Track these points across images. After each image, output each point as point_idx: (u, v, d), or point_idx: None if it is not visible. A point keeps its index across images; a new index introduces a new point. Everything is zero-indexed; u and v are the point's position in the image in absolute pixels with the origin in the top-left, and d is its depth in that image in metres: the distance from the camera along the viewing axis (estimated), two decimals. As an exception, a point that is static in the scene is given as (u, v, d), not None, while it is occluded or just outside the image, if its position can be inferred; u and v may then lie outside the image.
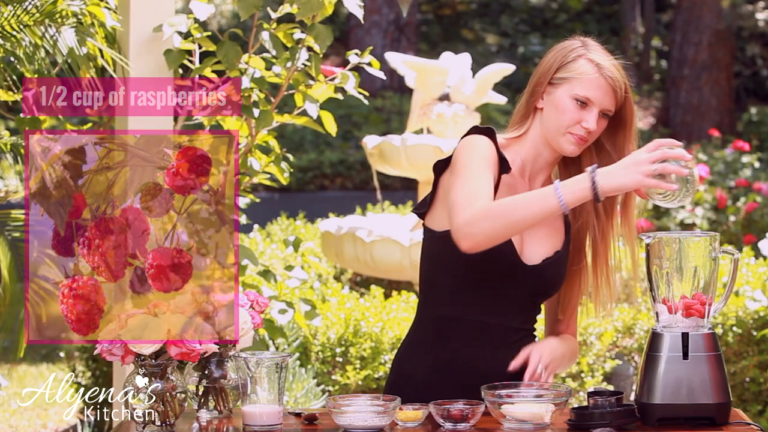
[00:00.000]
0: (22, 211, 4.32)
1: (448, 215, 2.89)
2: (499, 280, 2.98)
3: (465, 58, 7.67)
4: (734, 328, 6.04)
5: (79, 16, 4.02)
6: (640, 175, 2.75)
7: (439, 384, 2.94)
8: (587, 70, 2.99)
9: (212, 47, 4.16)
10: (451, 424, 2.72)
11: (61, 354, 4.22)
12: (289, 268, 4.48)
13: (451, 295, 3.01)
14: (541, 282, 3.02)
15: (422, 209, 3.06)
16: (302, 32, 4.14)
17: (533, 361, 2.95)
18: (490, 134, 3.00)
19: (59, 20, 3.95)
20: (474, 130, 3.01)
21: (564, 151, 3.01)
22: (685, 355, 2.73)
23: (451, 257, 2.93)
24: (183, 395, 2.75)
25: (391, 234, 7.09)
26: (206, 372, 2.87)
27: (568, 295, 3.14)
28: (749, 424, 2.76)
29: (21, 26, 3.94)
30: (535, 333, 3.12)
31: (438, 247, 3.00)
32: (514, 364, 2.96)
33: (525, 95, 3.08)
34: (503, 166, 2.99)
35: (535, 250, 3.01)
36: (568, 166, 3.11)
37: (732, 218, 9.42)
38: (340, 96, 4.24)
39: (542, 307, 3.14)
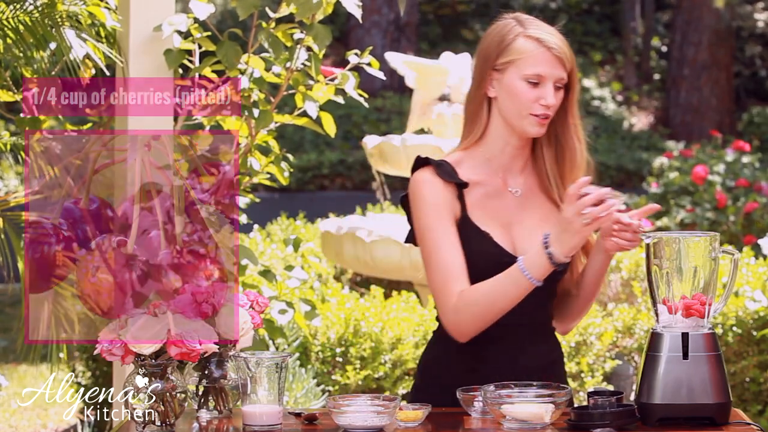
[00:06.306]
0: (34, 214, 4.31)
1: (434, 298, 2.97)
2: None
3: (465, 58, 7.67)
4: (734, 328, 6.04)
5: (79, 16, 4.02)
6: (580, 229, 2.79)
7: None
8: (529, 48, 2.95)
9: (212, 47, 4.16)
10: None
11: (61, 354, 4.21)
12: (289, 268, 4.47)
13: None
14: None
15: (414, 240, 3.06)
16: (301, 32, 4.14)
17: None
18: (430, 164, 2.99)
19: (59, 20, 3.95)
20: (415, 164, 3.01)
21: (529, 134, 2.99)
22: (685, 355, 2.73)
23: None
24: (183, 395, 2.75)
25: (391, 234, 7.09)
26: (206, 372, 2.87)
27: (576, 268, 3.09)
28: (749, 424, 2.76)
29: (21, 26, 3.94)
30: (552, 323, 3.10)
31: None
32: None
33: (471, 90, 3.04)
34: (460, 184, 2.98)
35: (531, 243, 2.97)
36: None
37: (732, 218, 9.42)
38: (340, 99, 4.23)
39: None
